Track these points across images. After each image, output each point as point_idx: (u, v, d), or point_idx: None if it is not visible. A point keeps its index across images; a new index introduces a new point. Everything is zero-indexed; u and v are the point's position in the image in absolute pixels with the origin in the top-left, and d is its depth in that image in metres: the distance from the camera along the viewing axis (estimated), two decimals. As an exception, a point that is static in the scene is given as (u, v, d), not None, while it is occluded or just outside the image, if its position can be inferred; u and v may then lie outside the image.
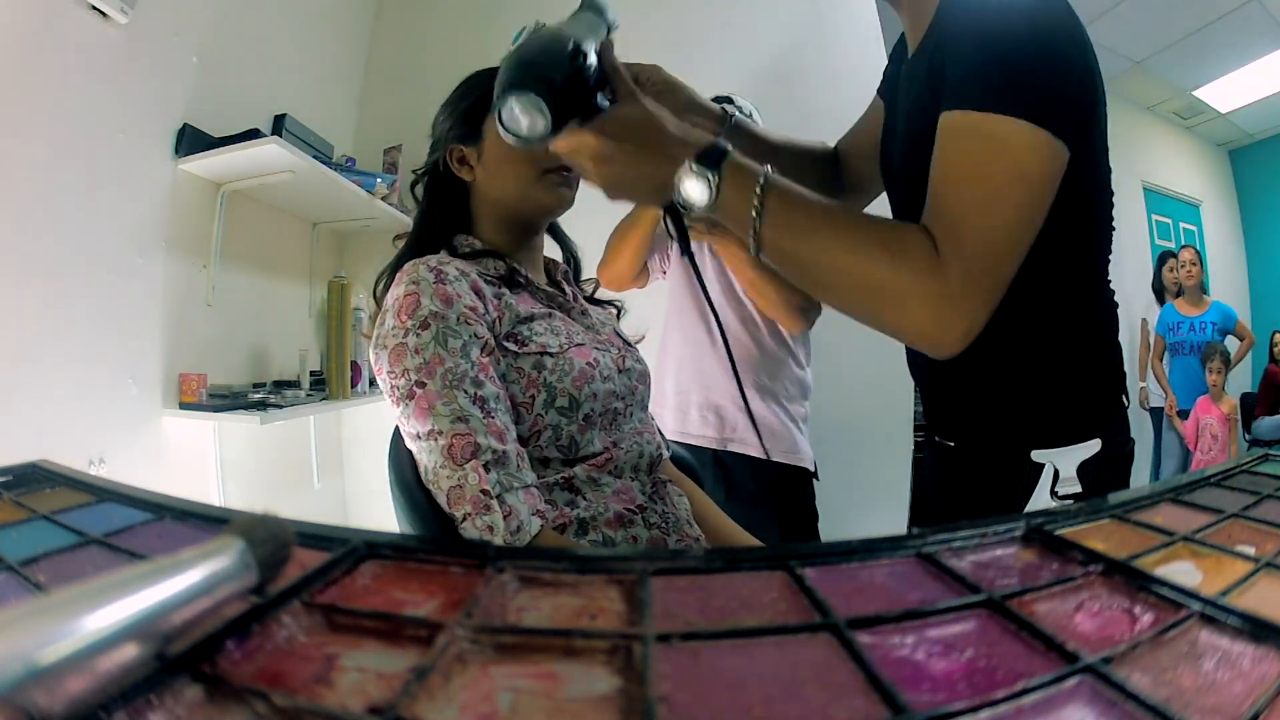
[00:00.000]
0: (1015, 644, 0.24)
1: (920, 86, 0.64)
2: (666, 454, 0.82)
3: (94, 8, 1.24)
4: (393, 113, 2.21)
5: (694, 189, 0.54)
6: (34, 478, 0.42)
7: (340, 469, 2.16)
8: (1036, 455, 0.66)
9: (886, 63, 0.82)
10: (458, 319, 0.64)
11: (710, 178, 0.54)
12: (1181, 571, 0.31)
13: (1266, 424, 3.40)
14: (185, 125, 1.48)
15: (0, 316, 1.12)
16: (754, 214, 0.53)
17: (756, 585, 0.28)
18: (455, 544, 0.31)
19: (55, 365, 1.21)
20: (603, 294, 0.91)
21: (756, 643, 0.24)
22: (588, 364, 0.71)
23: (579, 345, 0.72)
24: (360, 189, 1.81)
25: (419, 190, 0.82)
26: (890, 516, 1.93)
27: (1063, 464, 0.66)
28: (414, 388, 0.62)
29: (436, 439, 0.61)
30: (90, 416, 1.28)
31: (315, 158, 1.64)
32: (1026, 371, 0.67)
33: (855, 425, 1.97)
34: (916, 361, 0.79)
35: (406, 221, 2.04)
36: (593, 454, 0.70)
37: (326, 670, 0.22)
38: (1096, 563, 0.30)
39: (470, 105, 0.77)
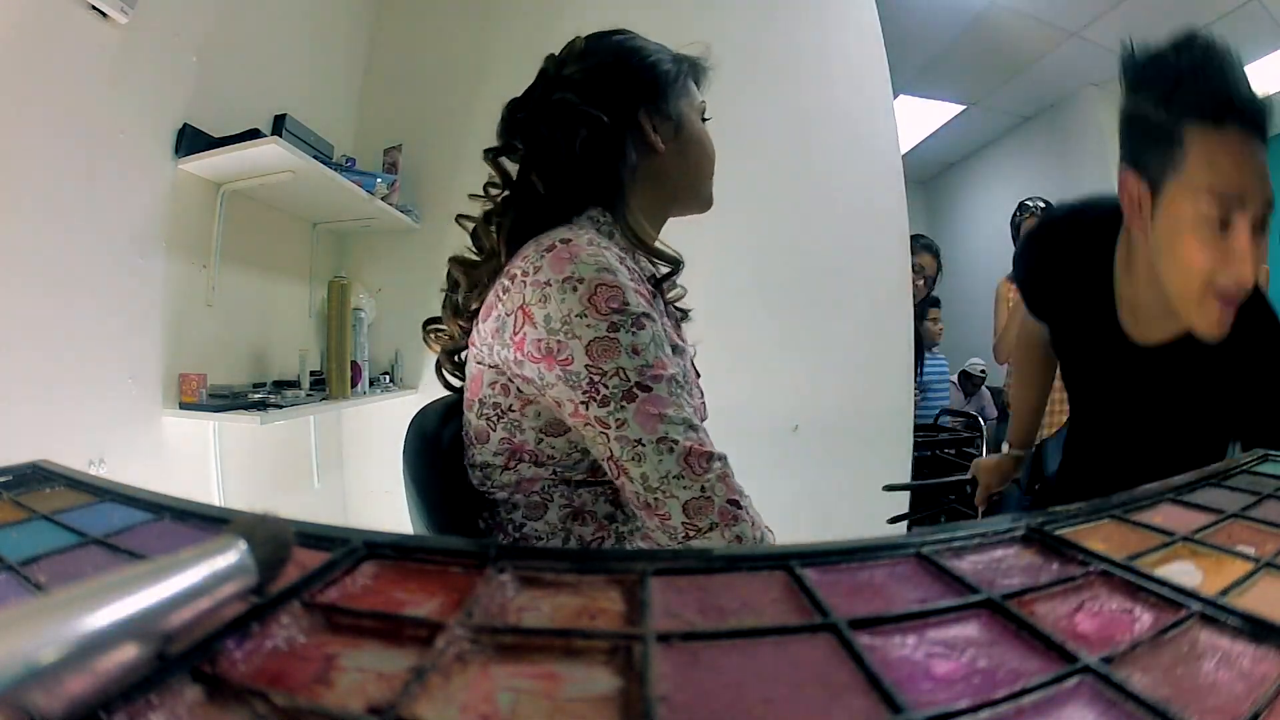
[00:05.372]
0: (1015, 644, 0.24)
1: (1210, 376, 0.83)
2: None
3: (94, 8, 1.24)
4: (393, 113, 2.21)
5: None
6: (34, 478, 0.42)
7: (340, 469, 2.16)
8: None
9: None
10: (663, 325, 0.61)
11: None
12: (1181, 571, 0.31)
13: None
14: (185, 125, 1.48)
15: (0, 316, 1.12)
16: None
17: (756, 585, 0.28)
18: (455, 544, 0.31)
19: (55, 365, 1.21)
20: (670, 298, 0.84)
21: (756, 643, 0.24)
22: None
23: (695, 398, 0.67)
24: (360, 189, 1.81)
25: (561, 134, 0.68)
26: (890, 516, 1.93)
27: None
28: (635, 389, 0.58)
29: (672, 448, 0.57)
30: (90, 416, 1.28)
31: (315, 158, 1.64)
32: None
33: (855, 425, 1.97)
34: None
35: (407, 221, 2.04)
36: None
37: (326, 670, 0.22)
38: (1096, 563, 0.30)
39: (670, 81, 0.73)
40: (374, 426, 2.09)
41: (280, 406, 1.55)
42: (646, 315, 0.59)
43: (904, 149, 2.07)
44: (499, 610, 0.26)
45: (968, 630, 0.25)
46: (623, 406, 0.58)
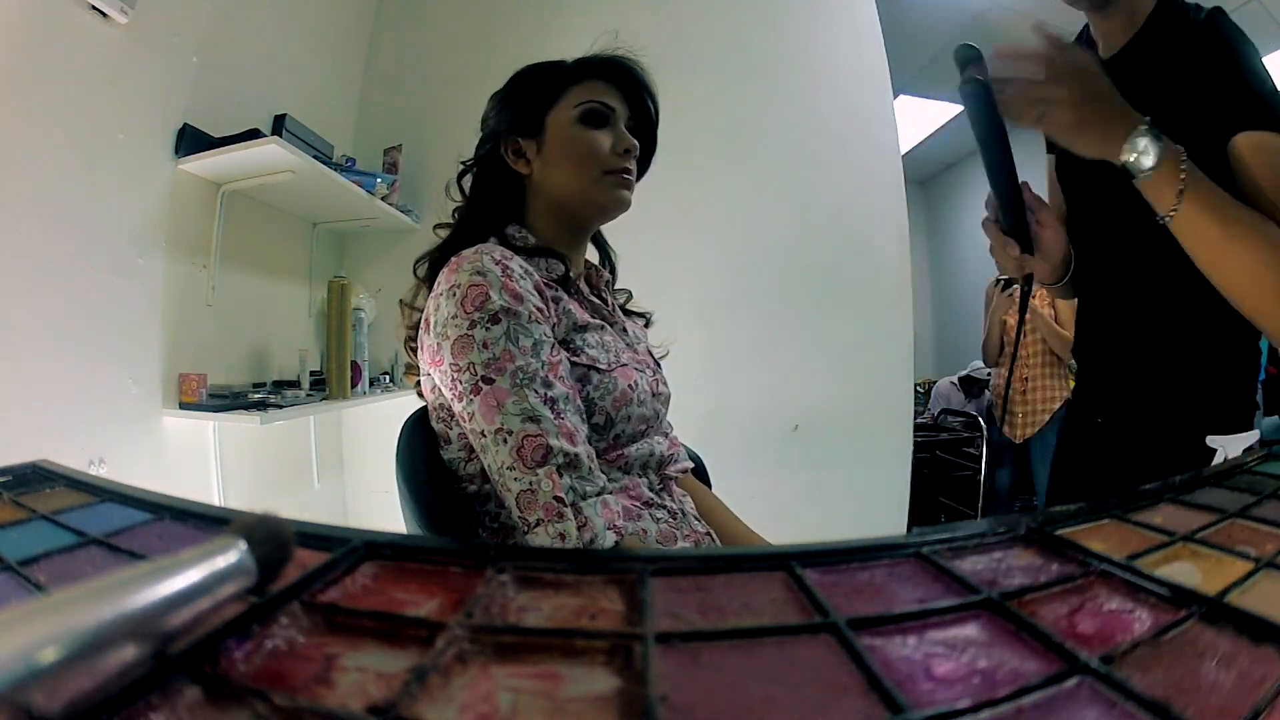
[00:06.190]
0: (1015, 644, 0.24)
1: (1158, 87, 0.73)
2: (689, 464, 0.82)
3: (94, 8, 1.24)
4: (393, 113, 2.21)
5: (1149, 150, 0.61)
6: (34, 478, 0.42)
7: (340, 469, 2.16)
8: (1211, 440, 0.73)
9: None
10: (528, 317, 0.63)
11: (1159, 145, 0.61)
12: (1181, 571, 0.31)
13: (1267, 424, 3.41)
14: (185, 125, 1.48)
15: (1, 316, 1.12)
16: (1180, 186, 0.61)
17: (757, 585, 0.28)
18: (455, 544, 0.31)
19: (55, 365, 1.21)
20: (633, 304, 0.88)
21: (757, 643, 0.24)
22: (629, 386, 0.70)
23: (623, 365, 0.71)
24: (360, 189, 1.81)
25: (465, 182, 0.80)
26: (890, 516, 1.94)
27: (1233, 449, 0.71)
28: (480, 383, 0.60)
29: (505, 439, 0.59)
30: (90, 416, 1.28)
31: (315, 158, 1.64)
32: (1207, 358, 0.77)
33: (855, 425, 1.97)
34: (1098, 342, 0.86)
35: (407, 221, 2.04)
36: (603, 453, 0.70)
37: (326, 670, 0.22)
38: (1096, 563, 0.30)
39: (531, 98, 0.76)
40: (374, 427, 2.09)
41: (280, 406, 1.55)
42: (506, 310, 0.62)
43: (904, 149, 2.07)
44: (499, 610, 0.26)
45: (968, 630, 0.25)
46: (471, 400, 0.61)
